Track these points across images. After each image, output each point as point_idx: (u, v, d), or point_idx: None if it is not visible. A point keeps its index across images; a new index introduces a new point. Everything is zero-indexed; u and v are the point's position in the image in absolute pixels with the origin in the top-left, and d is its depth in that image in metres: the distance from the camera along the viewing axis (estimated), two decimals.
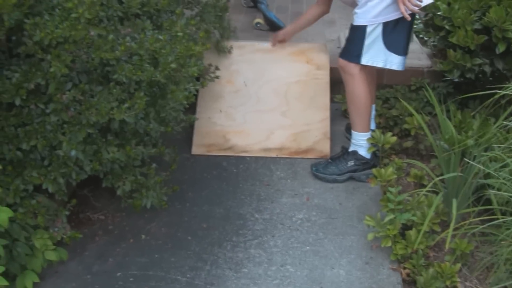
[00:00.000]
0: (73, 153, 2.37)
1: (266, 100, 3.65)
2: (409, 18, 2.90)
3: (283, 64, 3.80)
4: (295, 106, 3.60)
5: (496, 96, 2.68)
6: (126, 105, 2.36)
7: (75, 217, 2.97)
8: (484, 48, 3.34)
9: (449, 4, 3.39)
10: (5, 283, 2.25)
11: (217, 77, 3.41)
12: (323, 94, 3.68)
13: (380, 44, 3.02)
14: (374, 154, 3.24)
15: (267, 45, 3.90)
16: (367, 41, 3.01)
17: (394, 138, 3.24)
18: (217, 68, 3.42)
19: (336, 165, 3.26)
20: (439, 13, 3.44)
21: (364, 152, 3.22)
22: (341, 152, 3.36)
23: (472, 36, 3.23)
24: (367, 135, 3.22)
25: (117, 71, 2.36)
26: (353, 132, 3.24)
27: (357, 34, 3.05)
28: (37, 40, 2.16)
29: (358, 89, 3.11)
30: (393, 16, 2.95)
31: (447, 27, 3.39)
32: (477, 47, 3.29)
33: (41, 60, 2.28)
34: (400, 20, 2.95)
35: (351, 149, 3.26)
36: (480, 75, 3.50)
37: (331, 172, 3.24)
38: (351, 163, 3.23)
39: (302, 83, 3.72)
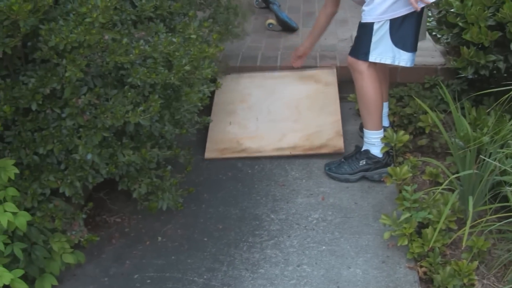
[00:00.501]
0: (89, 156, 2.38)
1: (278, 112, 3.72)
2: (418, 9, 2.91)
3: (292, 86, 3.96)
4: (306, 115, 3.62)
5: (511, 93, 2.66)
6: (141, 108, 2.37)
7: (92, 220, 2.99)
8: (498, 44, 3.32)
9: (462, 1, 3.37)
10: (25, 286, 2.28)
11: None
12: (332, 103, 3.76)
13: (387, 41, 3.02)
14: (387, 153, 3.22)
15: (277, 74, 4.10)
16: (374, 38, 3.02)
17: (407, 137, 3.23)
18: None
19: (348, 164, 3.26)
20: (452, 10, 3.42)
21: (376, 151, 3.21)
22: (354, 151, 3.35)
23: (486, 32, 3.21)
24: (379, 133, 3.21)
25: (131, 75, 2.37)
26: (364, 130, 3.24)
27: (365, 31, 3.05)
28: (52, 45, 2.18)
29: (367, 87, 3.11)
30: (400, 12, 2.95)
31: (460, 24, 3.37)
32: (491, 43, 3.27)
33: (57, 65, 2.30)
34: (407, 17, 2.96)
35: (363, 148, 3.26)
36: (495, 72, 3.48)
37: (343, 171, 3.24)
38: (363, 162, 3.23)
39: (312, 97, 3.84)
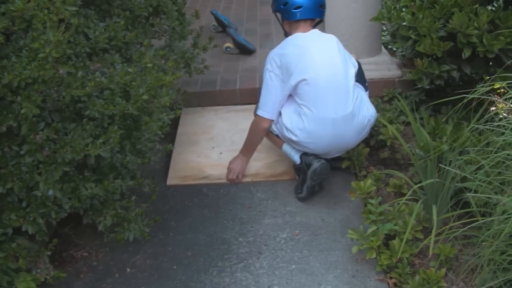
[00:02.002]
0: (50, 192, 2.35)
1: (241, 143, 3.69)
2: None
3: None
4: (268, 145, 3.61)
5: (465, 101, 2.72)
6: (101, 140, 2.35)
7: (58, 257, 2.94)
8: (451, 54, 3.40)
9: (413, 14, 3.45)
10: None
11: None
12: None
13: None
14: (304, 156, 3.22)
15: (240, 107, 4.23)
16: None
17: (367, 150, 3.29)
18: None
19: (296, 185, 3.31)
20: (404, 23, 3.50)
21: (296, 157, 3.26)
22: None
23: (438, 43, 3.29)
24: (285, 146, 3.33)
25: (89, 107, 2.36)
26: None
27: None
28: (6, 82, 2.15)
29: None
30: None
31: (413, 36, 3.45)
32: (444, 54, 3.35)
33: (12, 102, 2.27)
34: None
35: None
36: (450, 81, 3.56)
37: (296, 193, 3.28)
38: (297, 177, 3.29)
39: None
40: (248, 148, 3.45)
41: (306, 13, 3.19)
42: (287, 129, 3.16)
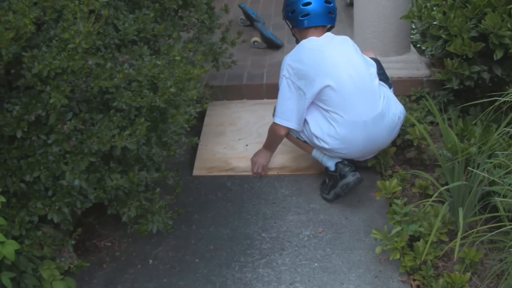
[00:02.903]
0: (76, 182, 2.37)
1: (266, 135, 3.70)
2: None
3: None
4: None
5: (497, 103, 2.67)
6: (127, 132, 2.36)
7: (82, 246, 2.97)
8: (482, 55, 3.35)
9: (444, 13, 3.40)
10: None
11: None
12: None
13: None
14: (340, 165, 3.17)
15: (266, 101, 4.20)
16: None
17: (393, 149, 3.25)
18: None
19: (323, 184, 3.29)
20: (435, 22, 3.45)
21: (330, 164, 3.20)
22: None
23: (469, 44, 3.24)
24: (314, 151, 3.26)
25: (116, 99, 2.37)
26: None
27: None
28: (36, 72, 2.17)
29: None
30: None
31: (443, 36, 3.40)
32: (474, 54, 3.30)
33: (41, 92, 2.28)
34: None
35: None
36: (480, 82, 3.51)
37: (321, 192, 3.26)
38: (327, 180, 3.24)
39: None
40: (269, 146, 3.44)
41: (314, 21, 3.13)
42: (317, 137, 3.09)
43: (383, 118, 3.05)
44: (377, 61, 3.26)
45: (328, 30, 3.23)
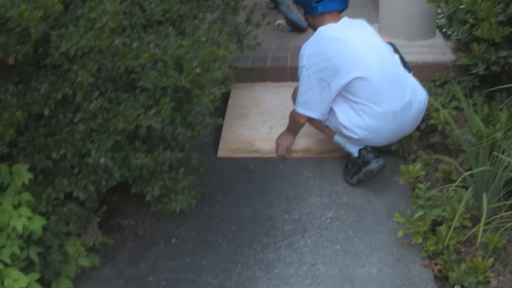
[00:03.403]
0: (102, 160, 2.40)
1: None
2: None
3: None
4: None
5: None
6: (153, 111, 2.38)
7: (106, 224, 3.01)
8: (509, 40, 3.31)
9: None
10: None
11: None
12: None
13: None
14: (363, 151, 3.14)
15: (289, 83, 4.16)
16: None
17: (417, 133, 3.23)
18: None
19: (346, 168, 3.28)
20: (462, 6, 3.41)
21: (353, 150, 3.17)
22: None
23: (496, 28, 3.20)
24: (337, 136, 3.22)
25: (142, 78, 2.39)
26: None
27: None
28: (63, 51, 2.19)
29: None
30: None
31: (470, 20, 3.37)
32: (502, 39, 3.26)
33: (68, 71, 2.31)
34: None
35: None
36: (506, 67, 3.47)
37: (344, 175, 3.25)
38: (350, 165, 3.23)
39: None
40: (291, 130, 3.43)
41: (329, 6, 3.02)
42: (345, 127, 3.06)
43: (411, 107, 3.02)
44: (392, 45, 3.22)
45: (340, 12, 3.14)
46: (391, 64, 3.03)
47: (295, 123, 3.30)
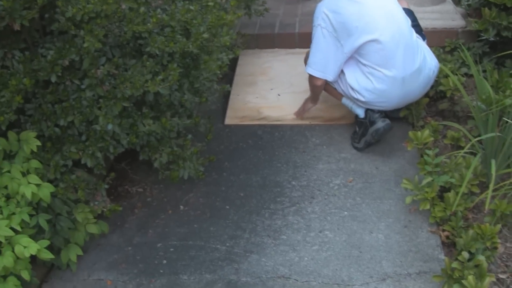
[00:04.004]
0: (109, 127, 2.39)
1: (299, 85, 3.71)
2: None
3: None
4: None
5: None
6: (160, 77, 2.36)
7: (114, 191, 3.02)
8: None
9: None
10: (51, 256, 2.31)
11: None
12: None
13: None
14: (369, 112, 3.14)
15: (297, 50, 4.15)
16: None
17: (426, 99, 3.22)
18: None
19: (353, 133, 3.27)
20: None
21: (359, 111, 3.17)
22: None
23: None
24: (344, 99, 3.22)
25: (149, 44, 2.37)
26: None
27: None
28: (70, 16, 2.17)
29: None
30: None
31: None
32: None
33: (74, 36, 2.29)
34: None
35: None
36: None
37: (352, 141, 3.24)
38: (357, 128, 3.22)
39: None
40: (311, 95, 3.39)
41: None
42: (353, 89, 3.06)
43: (420, 74, 3.01)
44: (410, 12, 3.18)
45: None
46: (405, 30, 3.00)
47: (312, 86, 3.26)
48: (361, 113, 3.14)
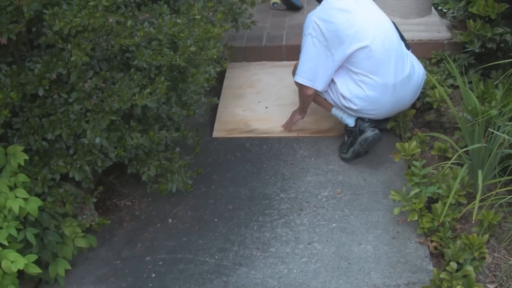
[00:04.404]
0: (97, 140, 2.39)
1: (286, 97, 3.74)
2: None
3: None
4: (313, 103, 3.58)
5: None
6: (148, 90, 2.37)
7: (102, 204, 3.00)
8: (505, 16, 3.30)
9: None
10: (38, 270, 2.30)
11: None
12: None
13: None
14: (359, 120, 3.15)
15: (285, 62, 4.18)
16: None
17: (413, 111, 3.24)
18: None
19: (342, 143, 3.28)
20: None
21: (349, 121, 3.18)
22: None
23: (492, 5, 3.19)
24: (334, 109, 3.23)
25: (137, 57, 2.37)
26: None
27: None
28: (57, 29, 2.17)
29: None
30: None
31: None
32: (498, 16, 3.25)
33: (62, 50, 2.29)
34: None
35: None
36: (502, 45, 3.46)
37: (341, 150, 3.25)
38: (346, 138, 3.23)
39: None
40: (301, 106, 3.38)
41: None
42: (344, 98, 3.07)
43: (410, 80, 3.04)
44: (393, 24, 3.22)
45: None
46: (394, 39, 3.05)
47: (302, 97, 3.26)
48: (351, 122, 3.16)
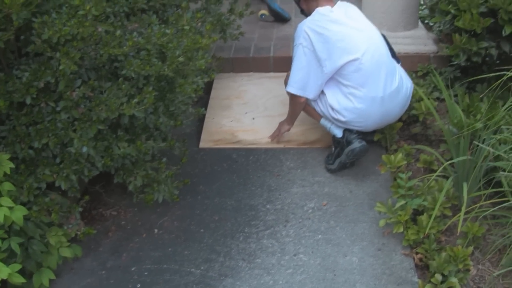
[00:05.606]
0: (84, 149, 2.38)
1: (273, 109, 3.75)
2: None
3: None
4: (302, 113, 3.60)
5: (504, 78, 2.67)
6: (136, 100, 2.37)
7: (88, 214, 2.99)
8: (490, 31, 3.34)
9: None
10: (22, 280, 2.28)
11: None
12: None
13: None
14: (347, 132, 3.16)
15: (272, 74, 4.20)
16: None
17: (400, 124, 3.26)
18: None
19: (328, 154, 3.30)
20: None
21: (337, 131, 3.20)
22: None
23: (478, 19, 3.23)
24: (322, 120, 3.25)
25: (125, 67, 2.37)
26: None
27: None
28: (46, 38, 2.17)
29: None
30: None
31: (452, 11, 3.39)
32: (483, 30, 3.29)
33: (50, 58, 2.29)
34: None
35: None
36: (487, 59, 3.50)
37: (327, 161, 3.27)
38: (333, 149, 3.25)
39: None
40: (290, 114, 3.39)
41: None
42: (333, 109, 3.09)
43: (399, 93, 3.06)
44: (383, 36, 3.25)
45: None
46: (384, 52, 3.07)
47: (294, 105, 3.26)
48: (338, 133, 3.17)
